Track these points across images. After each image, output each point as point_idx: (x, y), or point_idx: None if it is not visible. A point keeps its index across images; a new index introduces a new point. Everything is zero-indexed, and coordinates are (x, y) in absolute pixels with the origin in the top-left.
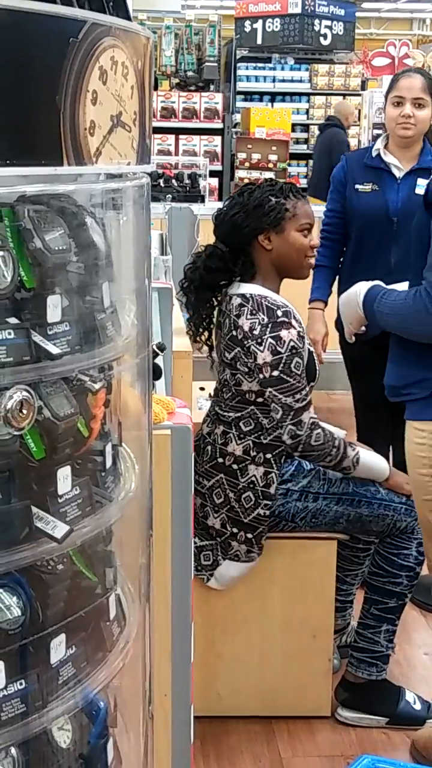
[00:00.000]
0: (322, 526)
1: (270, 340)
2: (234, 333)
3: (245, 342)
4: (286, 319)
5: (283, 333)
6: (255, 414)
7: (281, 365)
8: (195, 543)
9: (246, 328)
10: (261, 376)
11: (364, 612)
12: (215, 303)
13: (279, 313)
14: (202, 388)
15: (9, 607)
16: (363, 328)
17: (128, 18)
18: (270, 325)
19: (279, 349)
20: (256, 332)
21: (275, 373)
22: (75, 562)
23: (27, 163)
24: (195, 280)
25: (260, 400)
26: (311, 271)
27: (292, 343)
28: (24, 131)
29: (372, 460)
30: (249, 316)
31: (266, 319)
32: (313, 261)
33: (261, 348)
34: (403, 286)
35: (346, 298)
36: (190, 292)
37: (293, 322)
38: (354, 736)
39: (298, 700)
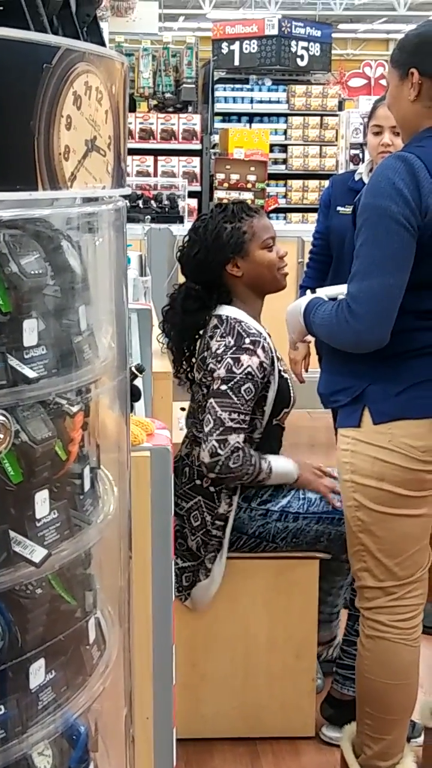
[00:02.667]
0: (303, 545)
1: (228, 359)
2: (204, 354)
3: (208, 361)
4: (251, 347)
5: (244, 357)
6: None
7: (231, 383)
8: (176, 564)
9: (212, 349)
10: (212, 387)
11: (348, 629)
12: (197, 338)
13: (247, 340)
14: (182, 409)
15: None
16: (309, 337)
17: (102, 43)
18: (234, 348)
19: (234, 369)
20: (219, 352)
21: (223, 387)
22: (54, 586)
23: (2, 188)
24: (176, 324)
25: None
26: (294, 281)
27: (249, 369)
28: None
29: (282, 466)
30: (218, 339)
31: (232, 342)
32: (285, 272)
33: (218, 366)
34: (344, 287)
35: (291, 309)
36: (174, 334)
37: (259, 351)
38: (338, 756)
39: (282, 721)
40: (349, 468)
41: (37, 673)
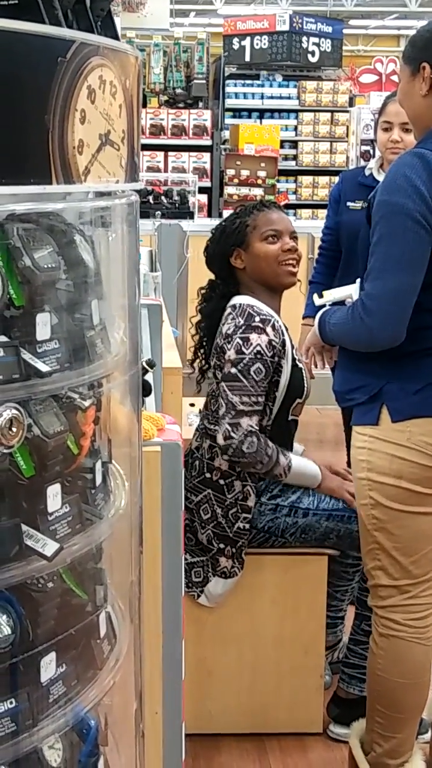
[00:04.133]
0: (311, 541)
1: (238, 339)
2: (217, 340)
3: (221, 343)
4: (261, 325)
5: (253, 336)
6: None
7: (240, 364)
8: (186, 559)
9: (224, 332)
10: (223, 371)
11: (355, 628)
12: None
13: (257, 318)
14: (192, 404)
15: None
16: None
17: (116, 37)
18: (243, 327)
19: (243, 349)
20: (229, 332)
21: (233, 370)
22: (65, 580)
23: (16, 182)
24: (201, 312)
25: None
26: (304, 285)
27: (258, 348)
28: (13, 150)
29: (304, 467)
30: (230, 321)
31: (242, 322)
32: (291, 267)
33: (229, 347)
34: (351, 288)
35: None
36: (198, 323)
37: (268, 329)
38: (346, 752)
39: (290, 717)
40: (365, 466)
41: (48, 667)
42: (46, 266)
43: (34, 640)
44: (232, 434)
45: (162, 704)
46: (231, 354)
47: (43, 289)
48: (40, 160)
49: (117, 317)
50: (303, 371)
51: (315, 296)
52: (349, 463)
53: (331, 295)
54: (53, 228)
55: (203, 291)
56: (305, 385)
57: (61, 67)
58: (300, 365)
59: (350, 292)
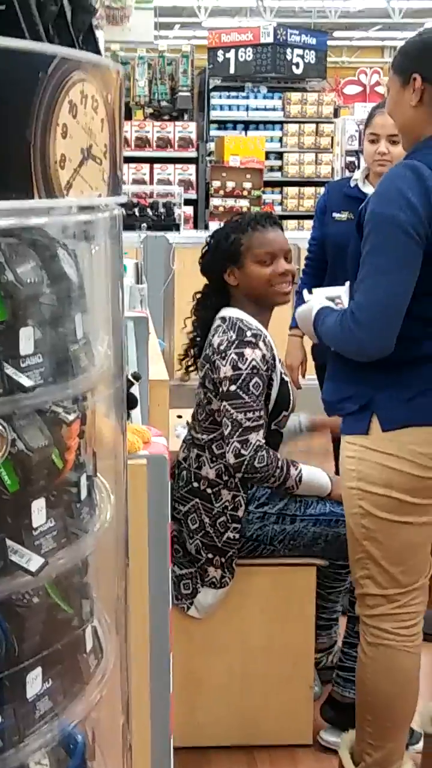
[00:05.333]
0: (300, 548)
1: (233, 355)
2: (207, 351)
3: (212, 357)
4: (253, 340)
5: (247, 351)
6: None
7: (239, 381)
8: (174, 572)
9: (215, 345)
10: (220, 390)
11: (349, 630)
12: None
13: (248, 333)
14: (179, 416)
15: None
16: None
17: (98, 51)
18: (236, 342)
19: (240, 365)
20: (222, 347)
21: (232, 387)
22: (51, 595)
23: None
24: (195, 315)
25: None
26: (291, 296)
27: (253, 363)
28: None
29: (314, 477)
30: (221, 334)
31: (234, 337)
32: (283, 287)
33: (224, 362)
34: (341, 289)
35: (300, 313)
36: (192, 324)
37: (260, 344)
38: (336, 763)
39: (280, 728)
40: (355, 475)
41: (34, 682)
42: (29, 281)
43: (20, 655)
44: (242, 452)
45: (150, 717)
46: (227, 371)
47: (26, 303)
48: (21, 174)
49: (101, 331)
50: (288, 383)
51: (305, 292)
52: (337, 472)
53: (324, 294)
54: (36, 242)
55: (200, 295)
56: (290, 397)
57: (42, 82)
58: (286, 378)
59: (340, 293)
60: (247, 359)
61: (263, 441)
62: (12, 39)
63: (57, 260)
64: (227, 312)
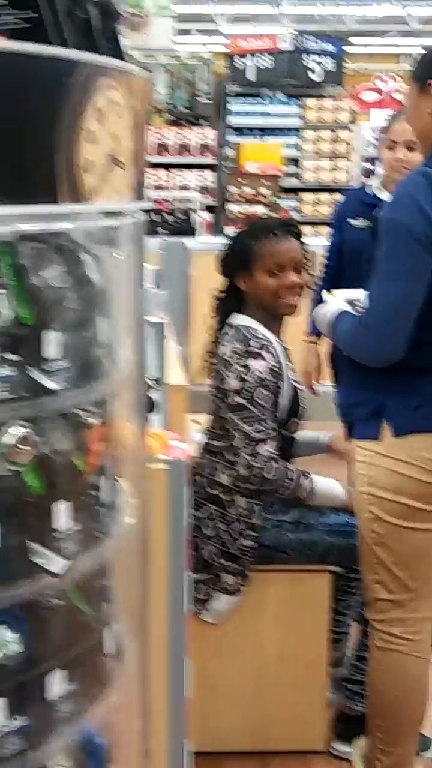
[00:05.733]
0: (315, 557)
1: (238, 367)
2: (215, 360)
3: (220, 367)
4: (257, 351)
5: (251, 362)
6: None
7: (245, 393)
8: (189, 576)
9: (221, 354)
10: (228, 401)
11: (360, 644)
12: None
13: (252, 342)
14: (196, 422)
15: (8, 643)
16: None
17: (123, 59)
18: (241, 354)
19: (244, 377)
20: (227, 358)
21: (239, 399)
22: (72, 598)
23: (24, 202)
24: (214, 314)
25: None
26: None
27: (258, 374)
28: (20, 170)
29: (327, 487)
30: (226, 343)
31: (238, 347)
32: (289, 300)
33: (229, 374)
34: (361, 292)
35: (316, 313)
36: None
37: (266, 355)
38: None
39: (293, 735)
40: (366, 480)
41: (55, 684)
42: (54, 285)
43: (41, 657)
44: (253, 463)
45: (167, 722)
46: (233, 383)
47: (51, 307)
48: (47, 180)
49: (123, 335)
50: (298, 390)
51: (324, 293)
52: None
53: (343, 296)
54: (61, 247)
55: (219, 294)
56: (301, 404)
57: (69, 88)
58: (296, 385)
59: (359, 296)
60: (251, 370)
61: (274, 451)
62: (39, 45)
63: (82, 265)
64: (236, 319)
